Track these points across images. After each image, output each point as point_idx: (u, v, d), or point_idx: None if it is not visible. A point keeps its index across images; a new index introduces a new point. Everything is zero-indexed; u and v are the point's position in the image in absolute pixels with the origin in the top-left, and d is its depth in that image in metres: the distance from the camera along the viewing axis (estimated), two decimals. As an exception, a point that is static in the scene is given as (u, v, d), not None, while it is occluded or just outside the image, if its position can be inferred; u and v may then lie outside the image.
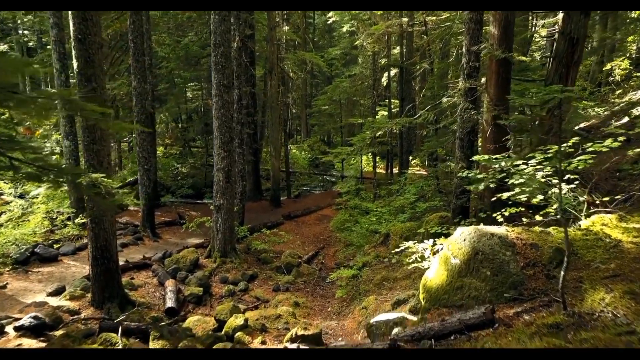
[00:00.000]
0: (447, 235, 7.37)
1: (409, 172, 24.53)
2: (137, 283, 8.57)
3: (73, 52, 6.33)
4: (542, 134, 5.45)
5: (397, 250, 6.87)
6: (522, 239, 4.12)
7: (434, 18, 13.86)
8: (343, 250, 11.39)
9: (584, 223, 4.49)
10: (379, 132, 8.71)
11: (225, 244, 9.86)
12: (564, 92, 3.37)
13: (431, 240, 5.06)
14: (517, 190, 4.56)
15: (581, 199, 4.66)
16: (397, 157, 22.47)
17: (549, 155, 3.75)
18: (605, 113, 11.46)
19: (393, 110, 25.93)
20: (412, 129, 24.61)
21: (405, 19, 16.39)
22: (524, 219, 5.09)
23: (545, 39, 15.59)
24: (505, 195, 4.82)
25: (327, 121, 25.21)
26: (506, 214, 5.02)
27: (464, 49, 7.99)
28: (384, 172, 25.48)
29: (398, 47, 24.70)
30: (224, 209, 9.70)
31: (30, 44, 29.46)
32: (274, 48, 15.57)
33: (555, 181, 3.92)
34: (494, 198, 5.02)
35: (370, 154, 29.64)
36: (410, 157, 24.86)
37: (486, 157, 4.92)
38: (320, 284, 9.51)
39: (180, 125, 26.88)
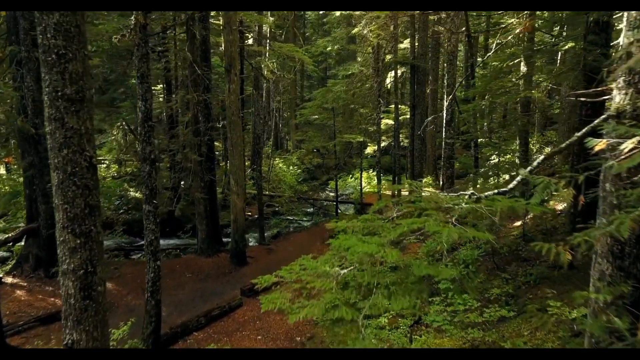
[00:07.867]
0: None
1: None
2: None
3: None
4: None
5: None
6: None
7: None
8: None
9: None
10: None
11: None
12: None
13: None
14: None
15: None
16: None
17: None
18: None
19: (400, 119, 20.97)
20: (424, 142, 19.78)
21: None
22: None
23: None
24: None
25: (316, 136, 20.04)
26: None
27: (625, 17, 3.10)
28: (389, 193, 20.80)
29: (408, 40, 19.75)
30: (81, 351, 4.77)
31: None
32: (233, 36, 10.62)
33: None
34: None
35: (372, 170, 24.76)
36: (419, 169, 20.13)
37: None
38: None
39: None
